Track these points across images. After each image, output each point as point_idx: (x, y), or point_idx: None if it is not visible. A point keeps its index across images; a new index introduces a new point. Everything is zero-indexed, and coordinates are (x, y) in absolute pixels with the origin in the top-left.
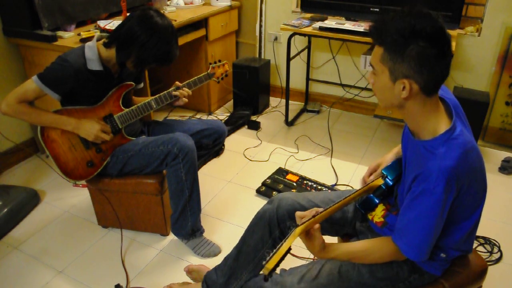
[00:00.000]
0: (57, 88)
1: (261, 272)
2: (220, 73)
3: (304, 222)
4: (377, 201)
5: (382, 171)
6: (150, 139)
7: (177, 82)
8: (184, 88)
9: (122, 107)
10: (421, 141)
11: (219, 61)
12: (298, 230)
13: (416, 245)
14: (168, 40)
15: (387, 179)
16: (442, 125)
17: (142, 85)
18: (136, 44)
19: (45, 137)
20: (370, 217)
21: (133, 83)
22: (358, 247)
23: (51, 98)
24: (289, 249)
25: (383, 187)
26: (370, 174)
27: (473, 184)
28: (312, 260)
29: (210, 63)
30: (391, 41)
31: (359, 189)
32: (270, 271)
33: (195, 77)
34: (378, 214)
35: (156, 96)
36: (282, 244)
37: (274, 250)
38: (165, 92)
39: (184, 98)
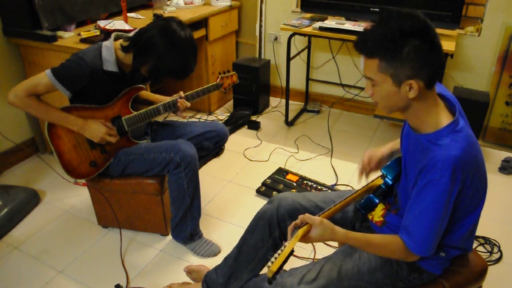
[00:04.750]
0: (70, 86)
1: (263, 274)
2: (228, 83)
3: (306, 224)
4: (377, 201)
5: (382, 171)
6: (153, 145)
7: (181, 92)
8: (183, 100)
9: (131, 110)
10: (423, 135)
11: (228, 71)
12: (300, 231)
13: (422, 239)
14: (187, 55)
15: (386, 179)
16: (443, 118)
17: (145, 86)
18: (154, 54)
19: (52, 134)
20: (370, 217)
21: (143, 86)
22: (361, 236)
23: (60, 93)
24: (292, 250)
25: (383, 186)
26: (363, 171)
27: (476, 178)
28: (312, 260)
29: (220, 73)
30: (383, 49)
31: (359, 189)
32: (274, 273)
33: (204, 87)
34: (377, 214)
35: (165, 102)
36: (285, 246)
37: (278, 252)
38: (172, 99)
39: (181, 113)
